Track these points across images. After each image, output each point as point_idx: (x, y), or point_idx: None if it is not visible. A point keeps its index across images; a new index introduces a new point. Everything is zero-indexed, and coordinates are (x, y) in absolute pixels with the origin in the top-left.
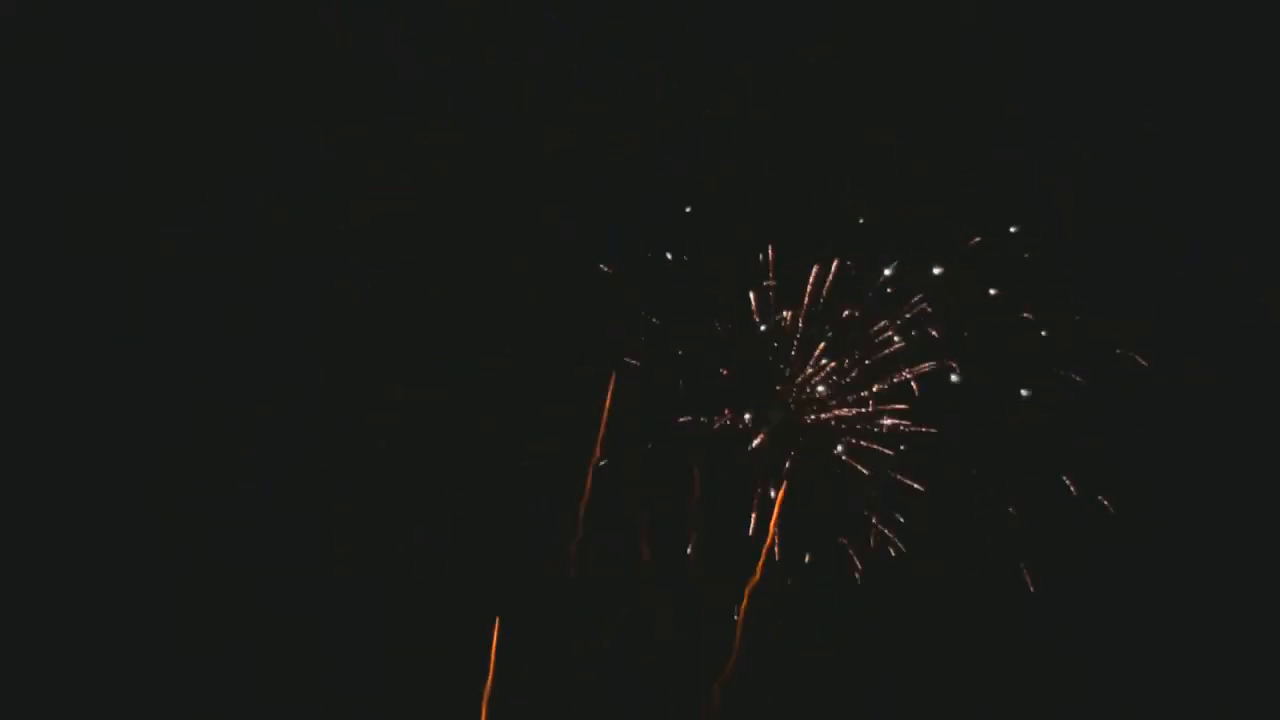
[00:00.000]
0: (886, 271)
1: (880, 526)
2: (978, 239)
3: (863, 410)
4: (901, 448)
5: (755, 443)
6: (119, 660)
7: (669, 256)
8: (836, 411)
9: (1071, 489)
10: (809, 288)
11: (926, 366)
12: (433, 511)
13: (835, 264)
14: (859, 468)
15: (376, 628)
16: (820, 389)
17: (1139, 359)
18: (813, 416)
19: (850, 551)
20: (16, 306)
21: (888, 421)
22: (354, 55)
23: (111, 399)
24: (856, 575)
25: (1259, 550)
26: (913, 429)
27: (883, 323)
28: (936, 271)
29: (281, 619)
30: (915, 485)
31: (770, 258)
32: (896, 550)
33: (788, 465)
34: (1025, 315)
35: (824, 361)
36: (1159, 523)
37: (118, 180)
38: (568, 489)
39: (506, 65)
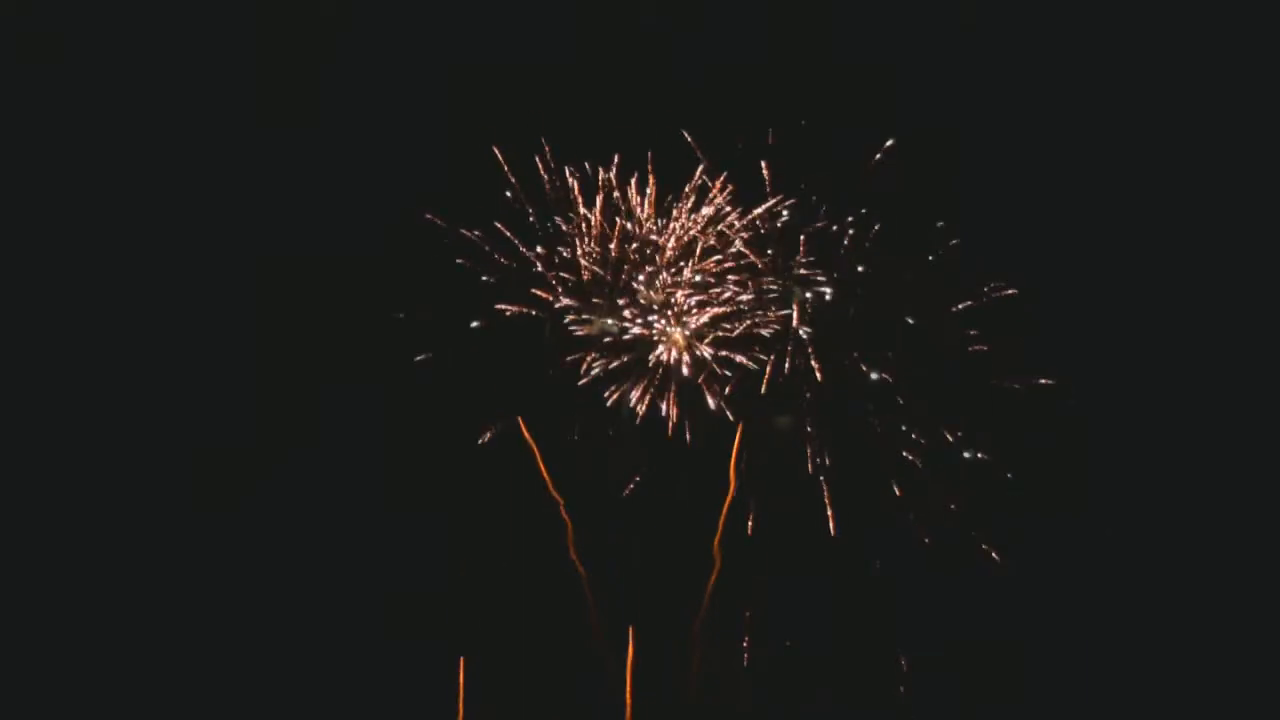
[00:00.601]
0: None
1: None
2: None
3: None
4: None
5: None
6: (119, 660)
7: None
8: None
9: (1071, 489)
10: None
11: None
12: (432, 510)
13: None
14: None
15: (377, 627)
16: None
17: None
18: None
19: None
20: (17, 306)
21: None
22: (354, 55)
23: (112, 399)
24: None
25: (1259, 550)
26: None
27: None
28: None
29: (281, 619)
30: (995, 556)
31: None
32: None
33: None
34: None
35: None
36: (1159, 523)
37: (118, 180)
38: (568, 488)
39: (512, 63)
